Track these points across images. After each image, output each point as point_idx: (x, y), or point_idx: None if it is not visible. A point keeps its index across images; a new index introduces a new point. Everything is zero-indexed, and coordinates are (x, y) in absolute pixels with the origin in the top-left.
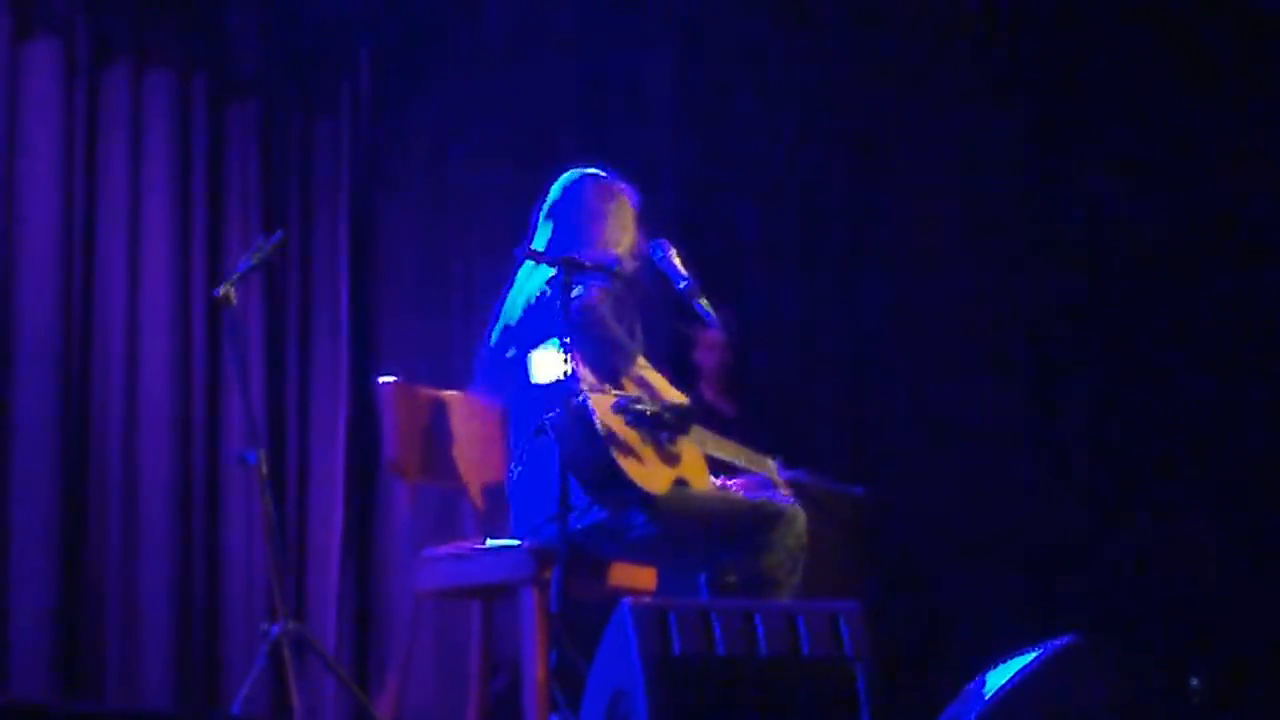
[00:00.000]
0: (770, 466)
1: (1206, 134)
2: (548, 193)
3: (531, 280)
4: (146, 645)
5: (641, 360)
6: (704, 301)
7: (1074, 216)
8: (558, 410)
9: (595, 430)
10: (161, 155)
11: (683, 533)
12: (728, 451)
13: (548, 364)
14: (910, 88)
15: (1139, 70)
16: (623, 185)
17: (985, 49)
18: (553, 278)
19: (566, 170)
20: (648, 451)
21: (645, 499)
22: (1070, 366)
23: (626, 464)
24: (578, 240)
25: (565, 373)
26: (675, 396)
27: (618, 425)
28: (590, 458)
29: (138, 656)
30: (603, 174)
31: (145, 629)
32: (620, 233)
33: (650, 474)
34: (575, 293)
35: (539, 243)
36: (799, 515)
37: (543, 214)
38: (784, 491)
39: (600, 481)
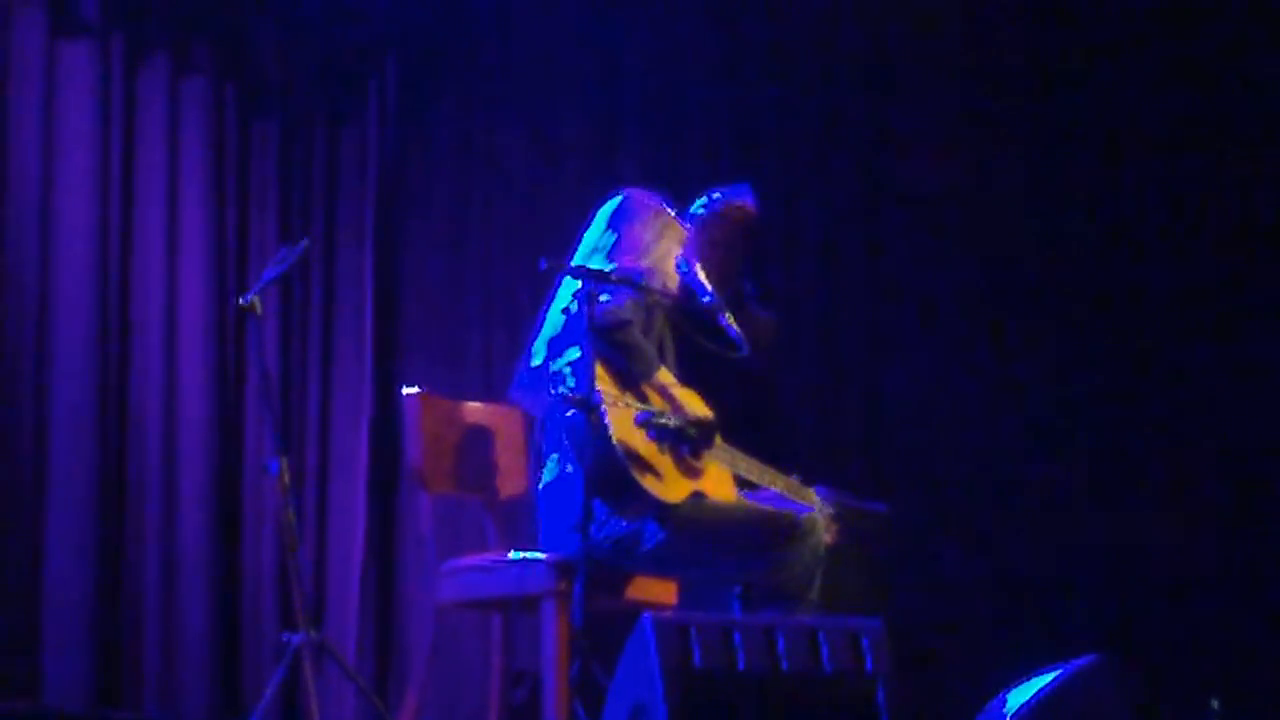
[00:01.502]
0: (810, 497)
1: (1209, 131)
2: (599, 207)
3: (565, 294)
4: (180, 652)
5: (670, 377)
6: (729, 317)
7: (1090, 218)
8: (575, 414)
9: (610, 439)
10: (196, 161)
11: (696, 543)
12: (766, 478)
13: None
14: (918, 88)
15: (1143, 67)
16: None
17: (991, 45)
18: (578, 290)
19: (588, 180)
20: (665, 464)
21: (659, 508)
22: (1099, 382)
23: (641, 476)
24: (628, 250)
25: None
26: (702, 412)
27: (638, 439)
28: (604, 466)
29: (173, 664)
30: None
31: (179, 636)
32: (671, 248)
33: (665, 486)
34: (602, 299)
35: (597, 251)
36: (816, 526)
37: (603, 224)
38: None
39: (614, 490)
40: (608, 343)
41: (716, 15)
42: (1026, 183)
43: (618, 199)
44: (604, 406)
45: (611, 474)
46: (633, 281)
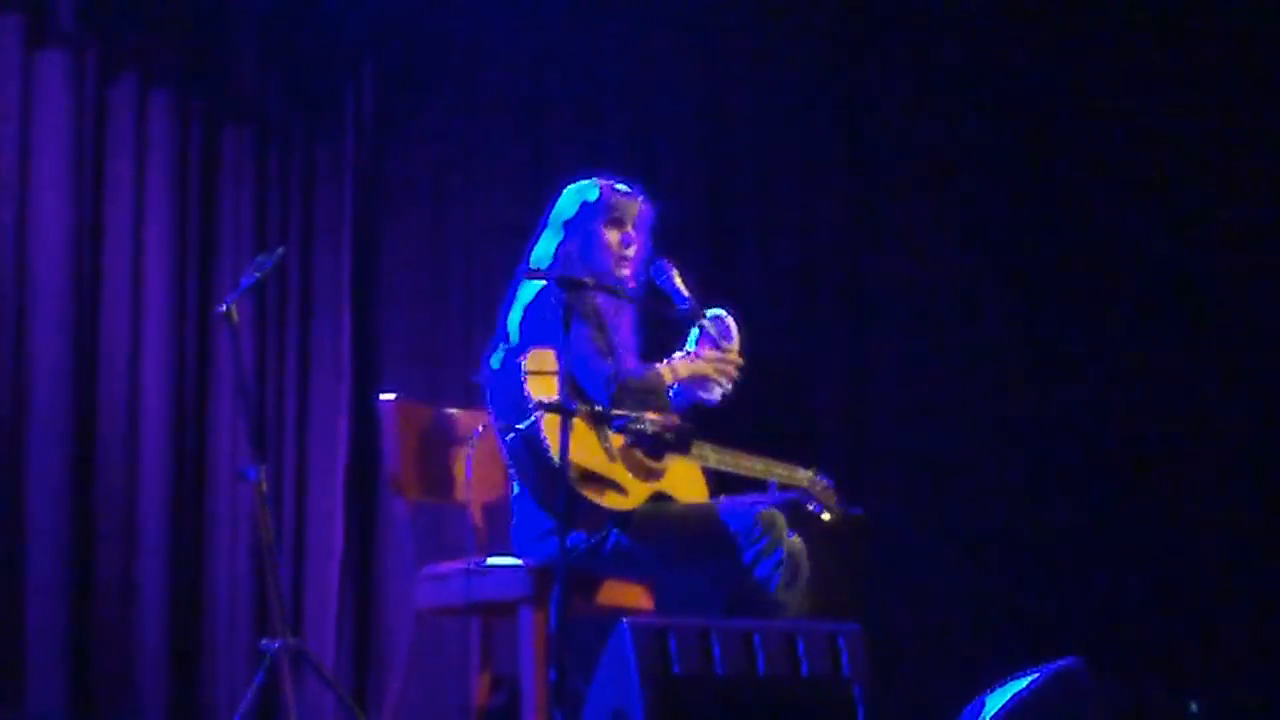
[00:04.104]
0: (804, 476)
1: (1201, 142)
2: (554, 201)
3: (524, 294)
4: (143, 659)
5: None
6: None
7: (1071, 229)
8: (514, 437)
9: (546, 453)
10: (164, 170)
11: (659, 545)
12: (743, 465)
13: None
14: (908, 103)
15: (1135, 80)
16: (635, 193)
17: (981, 62)
18: (545, 289)
19: (568, 182)
20: (618, 470)
21: (613, 517)
22: (1073, 383)
23: (587, 490)
24: (582, 249)
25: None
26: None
27: (586, 455)
28: (546, 483)
29: (137, 673)
30: (612, 182)
31: (147, 644)
32: (624, 241)
33: (621, 496)
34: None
35: (543, 249)
36: (777, 521)
37: (551, 222)
38: (823, 500)
39: (563, 508)
40: (575, 365)
41: (694, 18)
42: (1010, 181)
43: (568, 195)
44: (538, 416)
45: (555, 489)
46: (605, 285)
